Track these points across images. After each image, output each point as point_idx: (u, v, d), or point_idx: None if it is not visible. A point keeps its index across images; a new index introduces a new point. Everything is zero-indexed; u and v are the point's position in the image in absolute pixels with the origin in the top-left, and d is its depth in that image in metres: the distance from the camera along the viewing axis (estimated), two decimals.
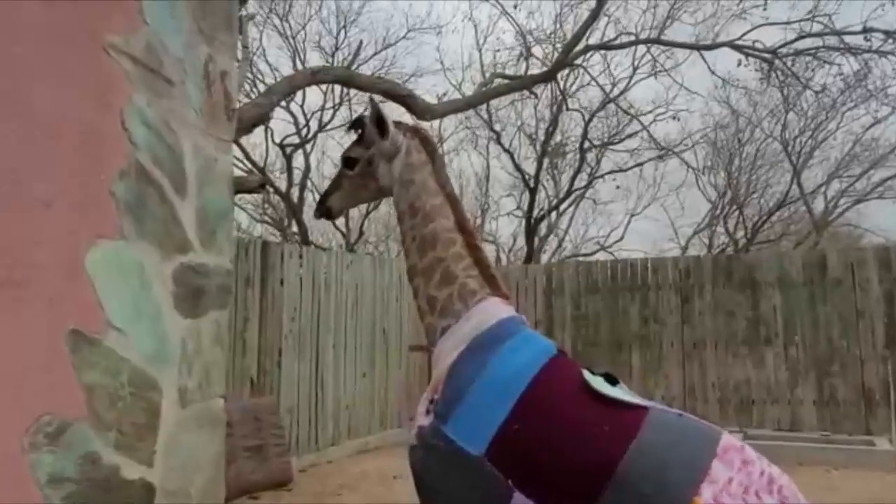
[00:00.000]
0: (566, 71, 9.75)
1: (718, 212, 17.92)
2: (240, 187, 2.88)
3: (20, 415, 1.37)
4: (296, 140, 14.07)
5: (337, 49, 13.75)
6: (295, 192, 14.02)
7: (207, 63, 1.77)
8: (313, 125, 14.20)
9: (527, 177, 15.45)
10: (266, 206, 16.45)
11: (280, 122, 13.59)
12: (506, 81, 7.10)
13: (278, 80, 8.90)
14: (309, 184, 14.93)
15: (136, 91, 1.58)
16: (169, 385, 1.65)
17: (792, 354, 8.38)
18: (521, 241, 17.56)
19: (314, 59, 13.37)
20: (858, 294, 8.14)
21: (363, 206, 16.87)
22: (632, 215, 18.80)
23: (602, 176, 16.25)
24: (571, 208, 17.56)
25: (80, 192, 1.48)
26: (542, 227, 17.29)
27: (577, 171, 15.36)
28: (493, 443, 1.56)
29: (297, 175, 14.37)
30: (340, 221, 16.98)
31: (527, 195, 15.49)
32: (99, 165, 1.51)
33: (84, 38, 1.49)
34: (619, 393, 1.67)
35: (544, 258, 17.30)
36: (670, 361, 8.97)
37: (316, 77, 5.37)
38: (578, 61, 7.89)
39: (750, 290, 8.66)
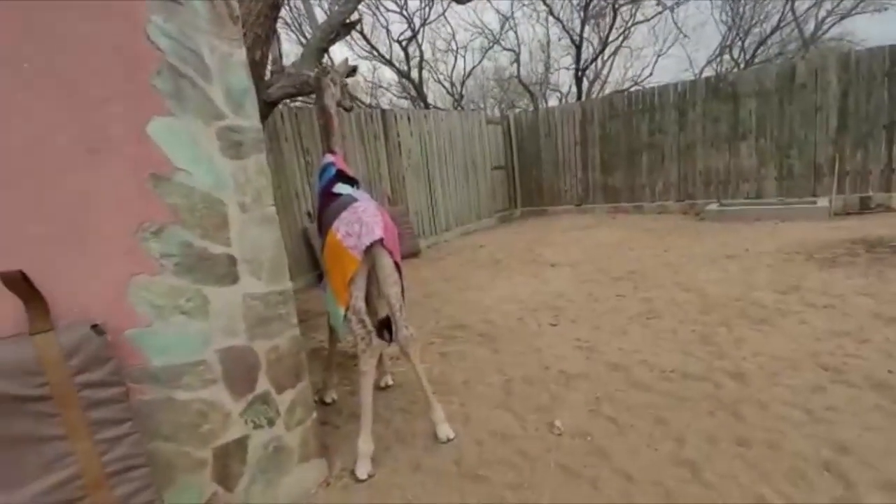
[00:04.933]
0: None
1: (727, 43, 14.87)
2: (343, 72, 2.83)
3: (129, 226, 1.49)
4: (409, 34, 12.99)
5: None
6: (414, 73, 13.24)
7: None
8: (417, 22, 12.94)
9: (574, 37, 13.47)
10: (402, 86, 15.82)
11: (396, 25, 12.54)
12: None
13: None
14: (426, 66, 14.03)
15: (154, 13, 1.48)
16: (231, 201, 1.71)
17: (761, 145, 7.25)
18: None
19: None
20: (819, 94, 6.69)
21: (463, 71, 15.71)
22: (658, 56, 16.24)
23: (632, 26, 13.75)
24: (613, 57, 15.32)
25: (130, 87, 1.46)
26: (592, 74, 15.36)
27: (611, 27, 13.11)
28: (316, 216, 2.37)
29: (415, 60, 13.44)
30: (453, 88, 16.08)
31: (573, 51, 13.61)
32: (139, 69, 1.47)
33: None
34: (342, 189, 2.28)
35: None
36: (670, 159, 8.12)
37: None
38: None
39: (732, 101, 7.38)
